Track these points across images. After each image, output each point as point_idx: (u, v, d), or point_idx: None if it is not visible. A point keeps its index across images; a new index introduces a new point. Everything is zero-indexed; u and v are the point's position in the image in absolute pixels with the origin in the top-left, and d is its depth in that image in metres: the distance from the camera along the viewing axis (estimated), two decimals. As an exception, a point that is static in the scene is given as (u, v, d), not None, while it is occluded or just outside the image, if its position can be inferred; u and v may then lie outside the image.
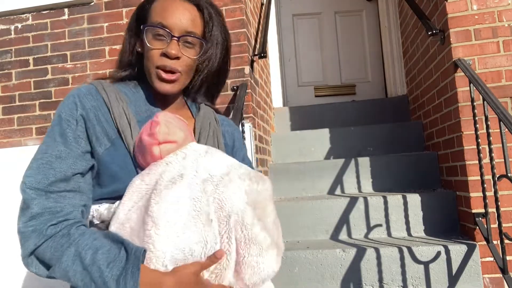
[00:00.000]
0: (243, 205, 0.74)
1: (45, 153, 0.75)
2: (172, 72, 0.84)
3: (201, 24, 0.87)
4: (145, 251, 0.68)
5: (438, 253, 1.89)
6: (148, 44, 0.84)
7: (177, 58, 0.83)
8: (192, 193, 0.72)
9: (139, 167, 0.80)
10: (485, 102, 1.77)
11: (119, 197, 0.78)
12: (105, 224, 0.79)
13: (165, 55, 0.83)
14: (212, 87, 1.00)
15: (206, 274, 0.72)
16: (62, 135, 0.77)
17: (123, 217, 0.74)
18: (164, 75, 0.83)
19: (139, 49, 0.90)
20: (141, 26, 0.86)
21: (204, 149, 0.81)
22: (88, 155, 0.78)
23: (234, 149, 1.01)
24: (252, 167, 1.00)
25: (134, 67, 0.91)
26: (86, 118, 0.79)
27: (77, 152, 0.76)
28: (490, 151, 1.76)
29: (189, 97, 1.00)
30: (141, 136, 0.79)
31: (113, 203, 0.79)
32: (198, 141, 0.90)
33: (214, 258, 0.71)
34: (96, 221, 0.80)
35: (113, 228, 0.75)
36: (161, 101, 0.91)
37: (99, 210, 0.79)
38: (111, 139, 0.80)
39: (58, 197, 0.73)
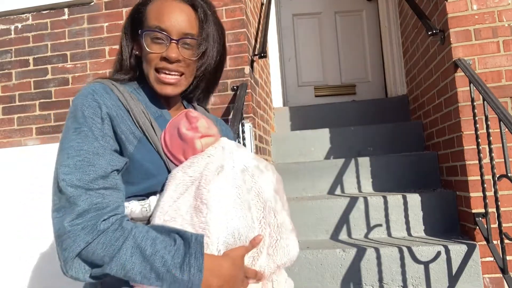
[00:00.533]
0: (273, 193, 0.83)
1: (80, 150, 0.72)
2: (173, 74, 0.84)
3: (197, 24, 0.86)
4: (203, 237, 0.71)
5: (438, 253, 1.89)
6: (147, 49, 0.83)
7: (178, 61, 0.83)
8: (234, 182, 0.78)
9: (171, 162, 0.81)
10: (485, 102, 1.77)
11: (150, 193, 0.79)
12: (135, 221, 0.77)
13: (165, 59, 0.82)
14: (210, 85, 1.00)
15: (245, 259, 0.77)
16: (93, 132, 0.74)
17: (168, 208, 0.76)
18: (165, 78, 0.84)
19: (137, 52, 0.90)
20: (139, 31, 0.86)
21: (235, 143, 0.88)
22: (117, 153, 0.77)
23: None
24: None
25: (135, 71, 0.91)
26: (112, 116, 0.77)
27: (111, 149, 0.75)
28: (490, 151, 1.76)
29: (185, 98, 1.00)
30: (179, 130, 0.81)
31: (143, 199, 0.79)
32: None
33: (254, 243, 0.76)
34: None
35: (158, 221, 0.75)
36: (165, 100, 0.92)
37: (130, 207, 0.78)
38: (137, 137, 0.79)
39: (98, 194, 0.71)
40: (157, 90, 0.85)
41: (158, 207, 0.77)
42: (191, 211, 0.75)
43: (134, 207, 0.78)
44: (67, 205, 0.69)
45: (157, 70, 0.84)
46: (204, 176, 0.77)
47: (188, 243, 0.69)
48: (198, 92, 0.99)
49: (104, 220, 0.69)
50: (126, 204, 0.77)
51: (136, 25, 0.88)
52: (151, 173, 0.78)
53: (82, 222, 0.68)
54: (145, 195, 0.79)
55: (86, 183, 0.70)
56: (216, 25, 0.91)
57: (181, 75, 0.85)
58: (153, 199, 0.79)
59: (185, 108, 0.99)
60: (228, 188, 0.77)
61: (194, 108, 1.00)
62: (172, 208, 0.75)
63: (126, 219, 0.73)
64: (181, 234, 0.71)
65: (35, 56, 2.63)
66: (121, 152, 0.78)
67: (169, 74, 0.84)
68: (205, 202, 0.74)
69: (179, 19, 0.83)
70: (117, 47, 2.56)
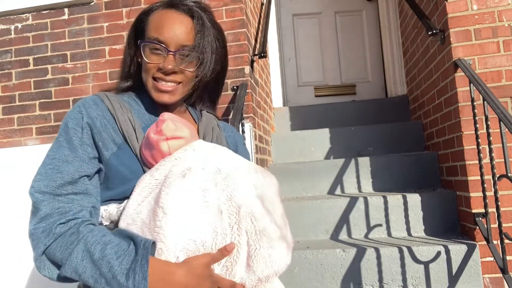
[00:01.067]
0: (253, 197, 0.76)
1: (52, 158, 0.78)
2: (170, 84, 0.86)
3: (194, 35, 0.87)
4: (154, 242, 0.69)
5: (438, 253, 1.89)
6: (145, 59, 0.85)
7: (174, 72, 0.85)
8: (202, 185, 0.74)
9: (147, 167, 0.82)
10: (485, 102, 1.77)
11: (126, 198, 0.80)
12: (115, 224, 0.80)
13: (161, 70, 0.84)
14: (212, 93, 1.02)
15: (217, 268, 0.73)
16: (68, 142, 0.79)
17: (132, 211, 0.75)
18: (160, 86, 0.85)
19: (139, 60, 0.91)
20: (138, 42, 0.88)
21: (211, 145, 0.84)
22: (95, 160, 0.81)
23: (238, 154, 1.02)
24: None
25: (134, 78, 0.93)
26: (92, 125, 0.81)
27: (83, 157, 0.78)
28: (490, 151, 1.76)
29: (190, 105, 1.02)
30: (148, 134, 0.81)
31: (121, 203, 0.81)
32: None
33: (225, 251, 0.72)
34: (105, 222, 0.81)
35: (122, 224, 0.76)
36: (163, 108, 0.92)
37: (108, 210, 0.80)
38: (117, 144, 0.82)
39: (66, 199, 0.75)
40: (154, 98, 0.87)
41: (123, 211, 0.77)
42: (150, 215, 0.72)
43: (111, 210, 0.80)
44: (34, 210, 0.74)
45: (155, 79, 0.86)
46: (167, 179, 0.75)
47: (137, 249, 0.68)
48: (201, 98, 1.01)
49: (61, 223, 0.72)
50: (105, 207, 0.80)
51: (138, 34, 0.91)
52: (126, 178, 0.80)
53: (44, 225, 0.72)
54: (122, 199, 0.81)
55: (53, 189, 0.74)
56: (215, 35, 0.91)
57: (178, 84, 0.87)
58: (125, 202, 0.80)
59: (190, 114, 1.00)
60: (193, 190, 0.73)
61: (201, 115, 1.01)
62: (135, 211, 0.75)
63: (86, 223, 0.73)
64: (134, 239, 0.70)
65: (35, 56, 2.63)
66: (100, 158, 0.82)
67: (166, 83, 0.86)
68: (161, 206, 0.71)
69: (177, 31, 0.84)
70: (117, 47, 2.57)
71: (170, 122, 0.80)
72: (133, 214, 0.75)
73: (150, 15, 0.88)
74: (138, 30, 0.91)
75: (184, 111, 0.99)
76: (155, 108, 0.92)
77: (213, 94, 1.03)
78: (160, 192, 0.73)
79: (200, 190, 0.73)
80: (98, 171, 0.81)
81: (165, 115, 0.81)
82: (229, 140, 1.02)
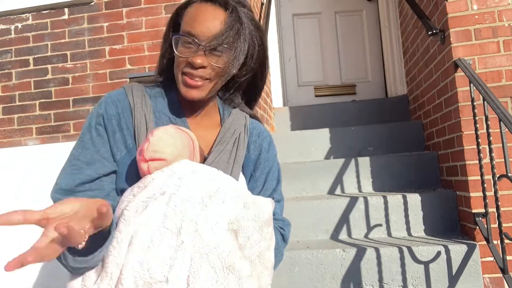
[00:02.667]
0: (222, 231, 0.71)
1: (74, 159, 0.82)
2: (197, 79, 0.84)
3: (230, 32, 0.85)
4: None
5: (438, 253, 1.89)
6: (176, 52, 0.84)
7: (203, 67, 0.83)
8: (166, 211, 0.70)
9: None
10: (485, 102, 1.77)
11: None
12: None
13: (190, 64, 0.83)
14: (250, 91, 1.00)
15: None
16: (89, 143, 0.83)
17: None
18: (189, 81, 0.83)
19: (174, 54, 0.90)
20: (171, 35, 0.88)
21: (192, 168, 0.78)
22: (112, 160, 0.84)
23: (258, 163, 0.97)
24: (277, 182, 0.99)
25: (166, 73, 0.93)
26: (107, 125, 0.84)
27: (103, 156, 0.82)
28: (490, 151, 1.76)
29: (225, 101, 0.99)
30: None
31: None
32: (209, 153, 0.89)
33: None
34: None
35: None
36: (188, 107, 0.92)
37: None
38: (128, 147, 0.84)
39: (82, 195, 0.78)
40: (182, 94, 0.85)
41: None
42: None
43: None
44: None
45: (183, 74, 0.84)
46: (134, 198, 0.74)
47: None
48: (236, 95, 0.99)
49: None
50: None
51: (175, 28, 0.90)
52: (125, 184, 0.82)
53: None
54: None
55: (72, 187, 0.79)
56: (252, 33, 0.89)
57: (206, 80, 0.85)
58: None
59: (220, 113, 0.97)
60: (155, 215, 0.70)
61: (230, 114, 0.97)
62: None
63: None
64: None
65: (35, 56, 2.63)
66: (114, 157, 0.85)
67: (193, 78, 0.84)
68: (117, 231, 0.70)
69: (209, 25, 0.82)
70: (117, 47, 2.58)
71: (153, 143, 0.76)
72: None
73: (187, 8, 0.87)
74: (175, 25, 0.90)
75: (214, 111, 0.96)
76: (179, 105, 0.91)
77: (251, 94, 1.01)
78: (123, 211, 0.73)
79: (163, 216, 0.70)
80: (115, 172, 0.84)
81: (154, 132, 0.78)
82: (252, 146, 0.97)
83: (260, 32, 0.92)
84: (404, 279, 1.90)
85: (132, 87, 0.89)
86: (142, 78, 2.45)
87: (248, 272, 0.72)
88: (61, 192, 0.78)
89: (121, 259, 0.67)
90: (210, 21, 0.82)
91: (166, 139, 0.78)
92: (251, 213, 0.76)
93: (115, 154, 0.83)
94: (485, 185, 1.82)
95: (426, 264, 1.90)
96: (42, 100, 2.60)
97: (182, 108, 0.91)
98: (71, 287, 0.71)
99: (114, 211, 0.77)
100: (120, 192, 0.83)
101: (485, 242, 1.85)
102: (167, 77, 0.93)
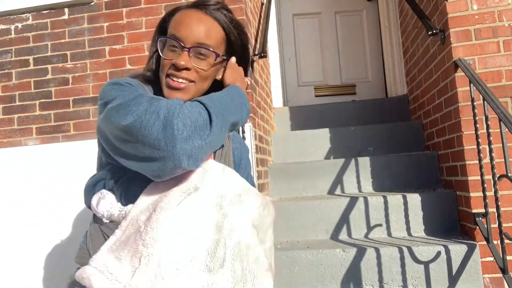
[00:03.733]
0: (250, 228, 0.77)
1: (131, 93, 0.78)
2: (181, 81, 0.85)
3: (217, 36, 0.88)
4: None
5: (438, 253, 1.89)
6: (162, 55, 0.87)
7: (187, 69, 0.84)
8: (204, 208, 0.73)
9: None
10: (485, 102, 1.77)
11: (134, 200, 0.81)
12: (115, 224, 0.80)
13: (174, 66, 0.84)
14: None
15: None
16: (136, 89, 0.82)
17: (133, 215, 0.76)
18: (172, 82, 0.85)
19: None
20: (156, 37, 0.91)
21: (221, 168, 0.82)
22: None
23: (240, 167, 1.02)
24: (253, 184, 1.02)
25: (153, 76, 0.94)
26: None
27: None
28: (490, 151, 1.76)
29: None
30: None
31: (125, 206, 0.81)
32: (214, 157, 0.91)
33: None
34: (105, 220, 0.82)
35: (123, 224, 0.77)
36: None
37: (111, 211, 0.81)
38: None
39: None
40: (166, 96, 0.86)
41: (128, 213, 0.78)
42: (145, 224, 0.72)
43: (114, 212, 0.81)
44: (129, 106, 0.76)
45: (167, 77, 0.86)
46: (170, 192, 0.75)
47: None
48: None
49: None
50: (107, 207, 0.81)
51: (162, 34, 0.93)
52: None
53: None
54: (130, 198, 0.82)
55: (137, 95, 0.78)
56: (236, 37, 0.92)
57: (190, 83, 0.86)
58: (129, 206, 0.81)
59: None
60: (193, 211, 0.73)
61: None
62: (136, 216, 0.76)
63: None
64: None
65: (35, 56, 2.63)
66: None
67: (177, 80, 0.85)
68: (154, 218, 0.71)
69: (194, 28, 0.85)
70: (117, 47, 2.57)
71: None
72: (131, 218, 0.76)
73: (174, 15, 0.90)
74: (162, 30, 0.93)
75: None
76: None
77: None
78: (159, 205, 0.72)
79: (201, 212, 0.73)
80: None
81: None
82: (236, 152, 1.01)
83: (244, 36, 0.94)
84: (404, 279, 1.90)
85: (138, 82, 0.90)
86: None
87: (267, 265, 0.78)
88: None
89: (158, 250, 0.68)
90: (195, 25, 0.85)
91: None
92: (266, 211, 0.82)
93: None
94: (485, 185, 1.82)
95: (426, 264, 1.90)
96: (42, 100, 2.60)
97: None
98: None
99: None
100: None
101: (485, 242, 1.85)
102: (153, 79, 0.94)
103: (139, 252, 0.69)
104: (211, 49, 0.86)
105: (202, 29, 0.85)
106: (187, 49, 0.84)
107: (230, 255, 0.72)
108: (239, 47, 0.93)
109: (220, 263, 0.70)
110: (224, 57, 0.91)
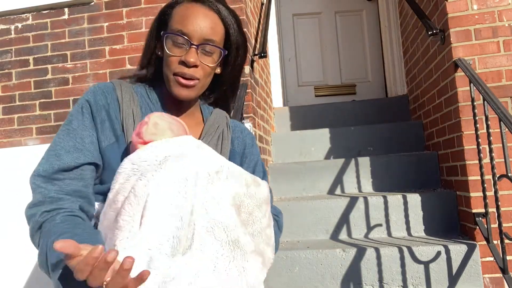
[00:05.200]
0: (227, 206, 0.72)
1: (55, 145, 0.81)
2: (190, 79, 0.85)
3: (220, 31, 0.88)
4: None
5: (438, 253, 1.89)
6: (167, 51, 0.85)
7: (195, 66, 0.84)
8: (179, 179, 0.69)
9: None
10: (485, 102, 1.77)
11: None
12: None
13: (183, 63, 0.84)
14: (225, 90, 1.02)
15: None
16: (72, 130, 0.81)
17: (110, 199, 0.74)
18: (183, 81, 0.85)
19: (159, 53, 0.91)
20: (162, 33, 0.87)
21: (196, 144, 0.79)
22: (95, 151, 0.81)
23: (244, 156, 1.00)
24: (263, 175, 1.00)
25: (152, 69, 0.93)
26: (95, 114, 0.83)
27: (86, 146, 0.80)
28: (490, 151, 1.76)
29: (205, 101, 1.02)
30: (132, 135, 0.81)
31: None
32: None
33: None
34: (95, 220, 0.81)
35: (102, 211, 0.76)
36: (172, 105, 0.92)
37: (97, 208, 0.80)
38: (116, 135, 0.83)
39: (62, 183, 0.77)
40: (173, 93, 0.86)
41: (107, 199, 0.77)
42: (124, 203, 0.70)
43: (98, 208, 0.80)
44: (32, 193, 0.78)
45: (175, 74, 0.85)
46: (144, 166, 0.72)
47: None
48: (217, 95, 1.02)
49: (46, 211, 0.75)
50: (96, 206, 0.81)
51: (161, 27, 0.90)
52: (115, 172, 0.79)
53: (33, 211, 0.75)
54: None
55: (50, 174, 0.77)
56: (239, 34, 0.92)
57: (198, 80, 0.86)
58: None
59: (201, 112, 1.00)
60: (167, 183, 0.69)
61: (211, 113, 0.99)
62: (112, 200, 0.73)
63: (66, 214, 0.74)
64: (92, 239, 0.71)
65: (35, 56, 2.63)
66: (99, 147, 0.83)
67: (185, 78, 0.85)
68: (136, 195, 0.68)
69: (201, 25, 0.84)
70: (117, 47, 2.57)
71: (151, 125, 0.77)
72: (110, 202, 0.73)
73: (175, 7, 0.88)
74: (162, 23, 0.91)
75: (196, 109, 0.98)
76: (165, 103, 0.92)
77: (228, 94, 1.03)
78: (137, 181, 0.70)
79: (173, 187, 0.68)
80: (95, 164, 0.81)
81: (151, 116, 0.79)
82: (237, 141, 1.00)
83: (243, 34, 0.94)
84: (404, 279, 1.90)
85: (121, 83, 0.89)
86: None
87: (252, 247, 0.73)
88: (39, 177, 0.77)
89: (136, 224, 0.66)
90: (201, 21, 0.84)
91: (163, 123, 0.79)
92: (251, 190, 0.78)
93: (103, 141, 0.82)
94: (485, 185, 1.82)
95: (426, 264, 1.90)
96: (42, 100, 2.60)
97: (165, 106, 0.92)
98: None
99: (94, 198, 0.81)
100: (104, 181, 0.82)
101: (485, 242, 1.85)
102: (151, 74, 0.93)
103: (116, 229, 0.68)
104: (217, 46, 0.86)
105: (208, 25, 0.85)
106: (195, 47, 0.84)
107: (200, 235, 0.67)
108: (238, 41, 0.93)
109: (188, 244, 0.66)
110: (226, 52, 0.90)
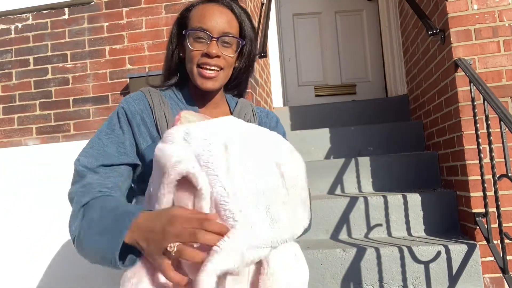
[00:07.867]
0: (275, 169, 0.78)
1: (101, 145, 0.90)
2: (213, 69, 0.93)
3: (236, 25, 0.98)
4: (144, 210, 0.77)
5: (438, 253, 1.89)
6: (190, 47, 0.94)
7: (218, 56, 0.93)
8: (238, 153, 0.75)
9: None
10: (485, 101, 1.77)
11: None
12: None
13: (206, 54, 0.93)
14: (243, 81, 1.11)
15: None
16: (112, 133, 0.91)
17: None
18: (205, 72, 0.93)
19: (181, 54, 1.01)
20: (183, 31, 0.97)
21: (243, 122, 0.87)
22: (132, 154, 0.92)
23: None
24: None
25: (176, 74, 1.03)
26: (131, 120, 0.92)
27: (127, 149, 0.91)
28: (491, 150, 1.76)
29: (228, 93, 1.11)
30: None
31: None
32: None
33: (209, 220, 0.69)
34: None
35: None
36: (200, 100, 1.01)
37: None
38: (153, 137, 0.92)
39: (104, 175, 0.87)
40: (198, 85, 0.95)
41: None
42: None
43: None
44: (78, 178, 0.88)
45: (199, 66, 0.94)
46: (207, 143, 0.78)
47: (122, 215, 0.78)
48: (238, 86, 1.10)
49: (99, 191, 0.85)
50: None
51: (181, 29, 1.00)
52: None
53: (83, 190, 0.85)
54: None
55: (94, 167, 0.87)
56: (251, 27, 1.03)
57: (220, 71, 0.95)
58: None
59: (228, 103, 1.08)
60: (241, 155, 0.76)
61: (237, 103, 1.08)
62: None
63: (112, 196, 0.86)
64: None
65: (35, 56, 2.63)
66: (138, 150, 0.93)
67: (209, 69, 0.93)
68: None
69: (219, 20, 0.94)
70: (117, 47, 2.57)
71: (184, 121, 0.84)
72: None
73: (192, 10, 0.98)
74: (180, 26, 1.00)
75: (223, 102, 1.07)
76: (192, 99, 1.01)
77: (244, 82, 1.12)
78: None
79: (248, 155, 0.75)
80: (134, 165, 0.92)
81: (182, 114, 0.85)
82: (264, 126, 1.06)
83: (254, 28, 1.06)
84: (404, 279, 1.90)
85: (149, 89, 0.98)
86: (147, 78, 2.45)
87: (299, 201, 0.81)
88: (83, 167, 0.87)
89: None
90: (218, 17, 0.94)
91: (194, 119, 0.86)
92: (293, 156, 0.85)
93: (141, 143, 0.91)
94: (485, 185, 1.82)
95: (426, 264, 1.90)
96: (42, 100, 2.60)
97: (195, 102, 1.01)
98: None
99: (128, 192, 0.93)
100: (141, 181, 0.92)
101: (485, 242, 1.85)
102: (176, 77, 1.03)
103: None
104: (235, 36, 0.96)
105: (225, 20, 0.95)
106: (215, 39, 0.93)
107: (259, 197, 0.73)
108: (251, 35, 1.03)
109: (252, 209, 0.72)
110: (244, 42, 1.00)
